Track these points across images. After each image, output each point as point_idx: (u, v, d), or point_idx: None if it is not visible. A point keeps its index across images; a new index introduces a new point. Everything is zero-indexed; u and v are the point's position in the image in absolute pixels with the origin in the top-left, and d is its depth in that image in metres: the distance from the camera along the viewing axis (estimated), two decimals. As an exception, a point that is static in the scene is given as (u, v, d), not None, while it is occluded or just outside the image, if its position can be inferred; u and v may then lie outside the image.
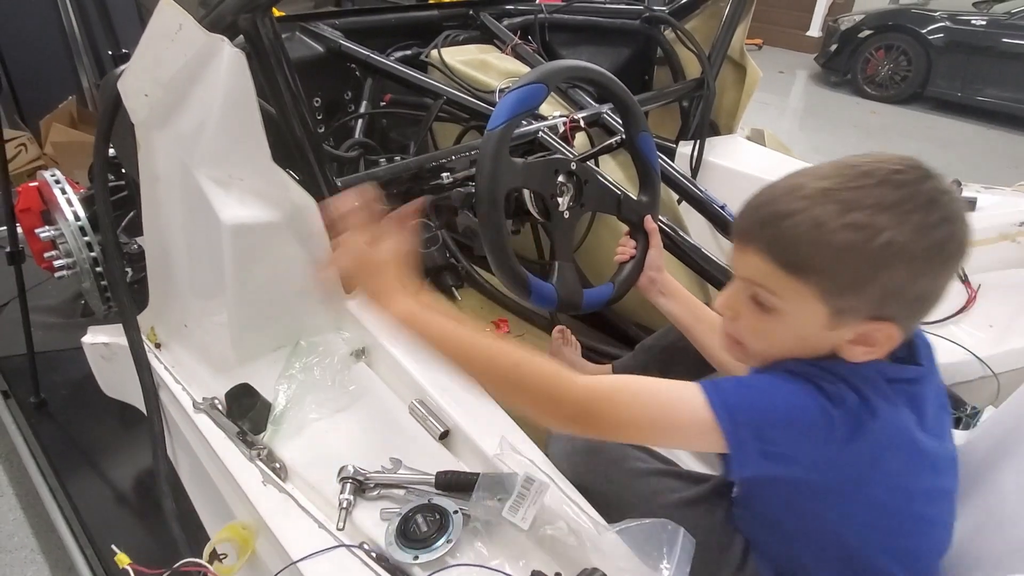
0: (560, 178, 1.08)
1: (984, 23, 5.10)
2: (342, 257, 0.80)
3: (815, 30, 6.84)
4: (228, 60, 0.90)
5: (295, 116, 0.98)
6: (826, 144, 4.70)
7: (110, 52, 1.25)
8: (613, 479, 0.88)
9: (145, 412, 1.20)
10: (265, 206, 0.99)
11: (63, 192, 1.40)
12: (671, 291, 1.14)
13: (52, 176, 1.45)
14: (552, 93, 1.09)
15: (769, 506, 0.81)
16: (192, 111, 0.98)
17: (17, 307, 2.00)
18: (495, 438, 0.88)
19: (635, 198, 1.17)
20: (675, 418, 0.69)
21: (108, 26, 1.21)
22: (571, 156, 1.23)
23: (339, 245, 0.79)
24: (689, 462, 1.13)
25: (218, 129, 0.95)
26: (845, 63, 5.73)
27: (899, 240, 0.62)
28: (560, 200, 1.07)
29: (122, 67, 1.15)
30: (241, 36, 0.96)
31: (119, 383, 1.31)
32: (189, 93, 0.97)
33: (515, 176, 0.99)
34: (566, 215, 1.06)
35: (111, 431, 1.63)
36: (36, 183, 1.57)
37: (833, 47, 5.76)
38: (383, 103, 1.67)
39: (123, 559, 0.83)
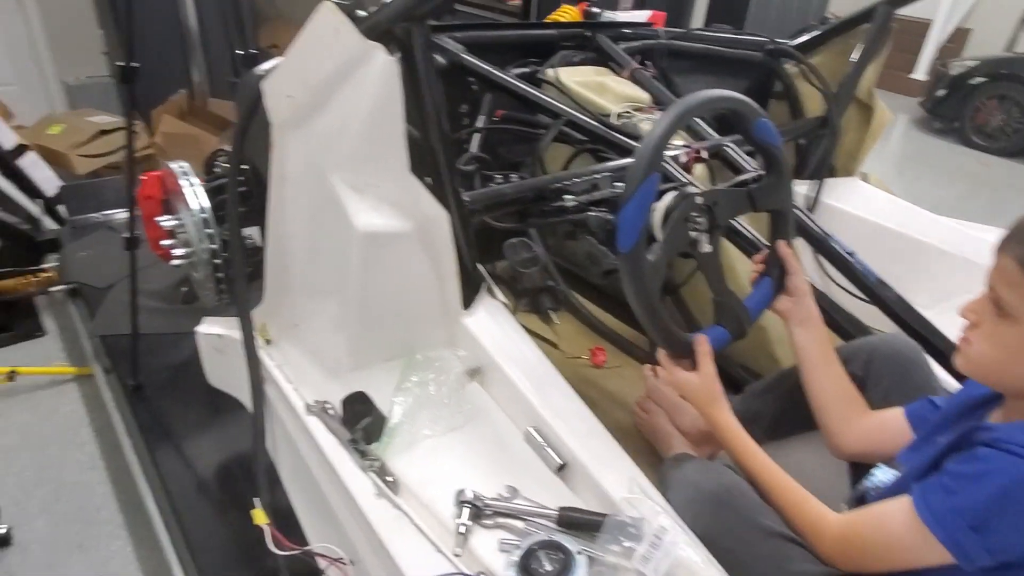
0: (692, 215, 1.03)
1: (1112, 78, 4.75)
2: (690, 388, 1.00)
3: (920, 73, 6.54)
4: (381, 67, 0.91)
5: (435, 127, 0.97)
6: (928, 192, 4.45)
7: (239, 51, 1.28)
8: (741, 536, 0.82)
9: (247, 406, 1.21)
10: (397, 215, 0.99)
11: (190, 184, 1.44)
12: (811, 322, 1.07)
13: (180, 167, 1.49)
14: None
15: None
16: (334, 115, 0.99)
17: (122, 288, 2.11)
18: (617, 478, 0.84)
19: (763, 186, 1.10)
20: (901, 549, 0.75)
21: (240, 26, 1.26)
22: (697, 189, 1.18)
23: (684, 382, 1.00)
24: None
25: (360, 135, 0.96)
26: (953, 110, 5.43)
27: None
28: (700, 240, 1.02)
29: (264, 66, 1.18)
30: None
31: (226, 375, 1.33)
32: (333, 97, 0.98)
33: (658, 272, 0.95)
34: (708, 249, 1.01)
35: (203, 419, 1.67)
36: (160, 172, 1.64)
37: (941, 92, 5.48)
38: (495, 118, 1.67)
39: (260, 516, 0.83)
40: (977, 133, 5.37)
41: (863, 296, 1.33)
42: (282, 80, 1.04)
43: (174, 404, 1.71)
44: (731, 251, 1.35)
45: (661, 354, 1.01)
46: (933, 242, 1.62)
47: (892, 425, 0.99)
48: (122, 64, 1.41)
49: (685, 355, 1.00)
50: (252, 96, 1.11)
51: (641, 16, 2.50)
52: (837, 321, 1.21)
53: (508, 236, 1.71)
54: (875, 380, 1.07)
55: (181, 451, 1.60)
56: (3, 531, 1.54)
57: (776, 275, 1.08)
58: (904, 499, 0.76)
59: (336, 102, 0.98)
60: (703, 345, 0.99)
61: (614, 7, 2.92)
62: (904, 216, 1.70)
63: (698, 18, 5.12)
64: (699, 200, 1.05)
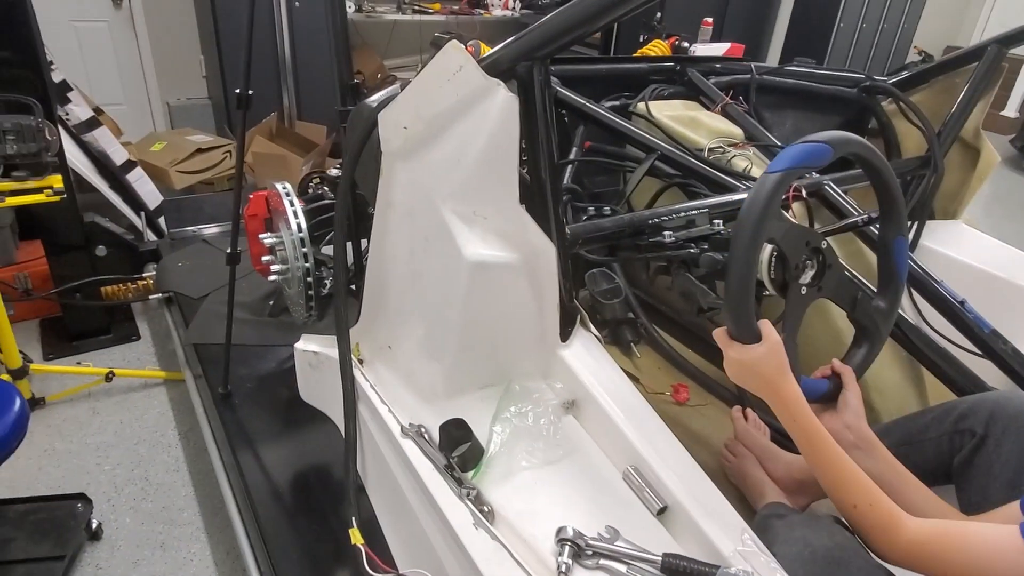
0: (806, 251, 1.00)
1: None
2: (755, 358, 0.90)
3: (1012, 110, 6.23)
4: (501, 103, 0.93)
5: (547, 160, 0.99)
6: (1018, 235, 4.20)
7: (349, 82, 1.35)
8: (855, 599, 0.78)
9: (337, 423, 1.24)
10: (505, 246, 1.00)
11: (291, 204, 1.51)
12: (869, 446, 0.98)
13: (283, 188, 1.57)
14: None
15: None
16: (449, 147, 1.01)
17: (214, 299, 2.21)
18: (723, 527, 0.81)
19: (872, 301, 1.07)
20: (995, 570, 0.72)
21: (347, 58, 1.34)
22: (818, 231, 1.15)
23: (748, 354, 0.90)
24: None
25: (475, 167, 0.98)
26: (1049, 149, 5.14)
27: None
28: (803, 275, 0.99)
29: (376, 96, 1.22)
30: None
31: (318, 391, 1.37)
32: (449, 129, 1.01)
33: (778, 228, 0.93)
34: (803, 291, 0.98)
35: (287, 430, 1.71)
36: (265, 192, 1.72)
37: (1036, 130, 5.20)
38: (584, 150, 1.69)
39: (357, 536, 0.84)
40: (1077, 175, 5.05)
41: (974, 349, 1.26)
42: (399, 111, 1.08)
43: (260, 414, 1.75)
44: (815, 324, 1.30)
45: (718, 333, 0.92)
46: None
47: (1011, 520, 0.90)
48: (238, 91, 1.50)
49: (746, 339, 0.91)
50: (367, 124, 1.16)
51: (720, 48, 2.50)
52: (949, 374, 1.15)
53: (588, 266, 1.71)
54: (997, 440, 0.99)
55: (264, 460, 1.63)
56: (95, 525, 1.63)
57: (835, 381, 1.03)
58: (1014, 528, 0.71)
59: (452, 134, 1.01)
60: (768, 325, 0.90)
61: (693, 40, 2.93)
62: (1017, 264, 1.60)
63: (775, 50, 5.05)
64: (823, 244, 1.02)
